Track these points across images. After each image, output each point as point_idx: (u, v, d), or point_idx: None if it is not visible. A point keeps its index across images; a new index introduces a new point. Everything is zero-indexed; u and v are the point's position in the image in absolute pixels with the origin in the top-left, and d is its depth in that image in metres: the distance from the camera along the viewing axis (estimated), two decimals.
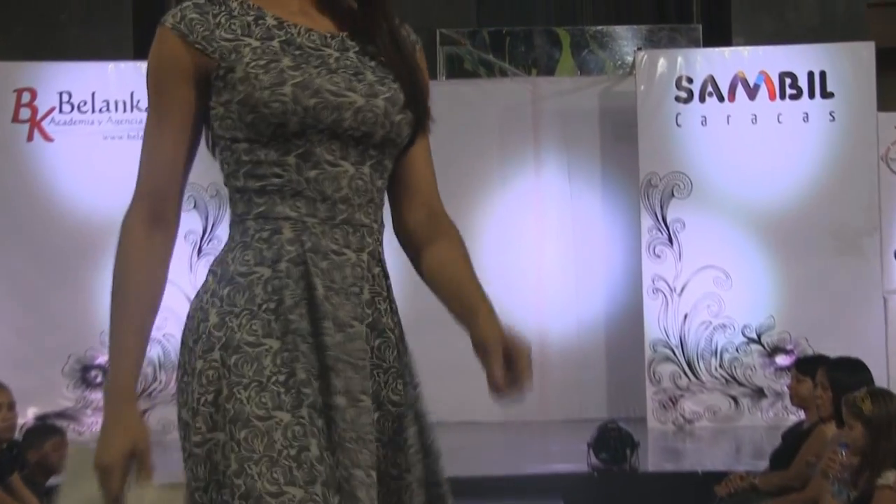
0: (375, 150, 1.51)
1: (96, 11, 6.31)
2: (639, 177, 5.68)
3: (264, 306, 1.46)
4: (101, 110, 5.65)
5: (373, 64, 1.52)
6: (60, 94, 5.60)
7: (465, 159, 5.82)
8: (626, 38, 6.97)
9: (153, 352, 5.27)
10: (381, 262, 1.53)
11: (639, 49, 6.26)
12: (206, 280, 1.50)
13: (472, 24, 6.96)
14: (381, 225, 1.54)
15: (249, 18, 1.52)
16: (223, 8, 1.53)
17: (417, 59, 1.58)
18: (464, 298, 1.51)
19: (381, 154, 1.52)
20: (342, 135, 1.48)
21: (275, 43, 1.50)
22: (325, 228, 1.49)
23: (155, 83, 1.52)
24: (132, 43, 6.18)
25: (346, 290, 1.48)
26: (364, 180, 1.50)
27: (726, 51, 5.84)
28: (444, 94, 5.74)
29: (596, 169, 6.03)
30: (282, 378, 1.42)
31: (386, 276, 1.53)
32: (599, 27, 6.99)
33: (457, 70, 6.86)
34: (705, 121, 5.68)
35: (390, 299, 1.53)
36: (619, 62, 6.93)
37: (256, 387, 1.41)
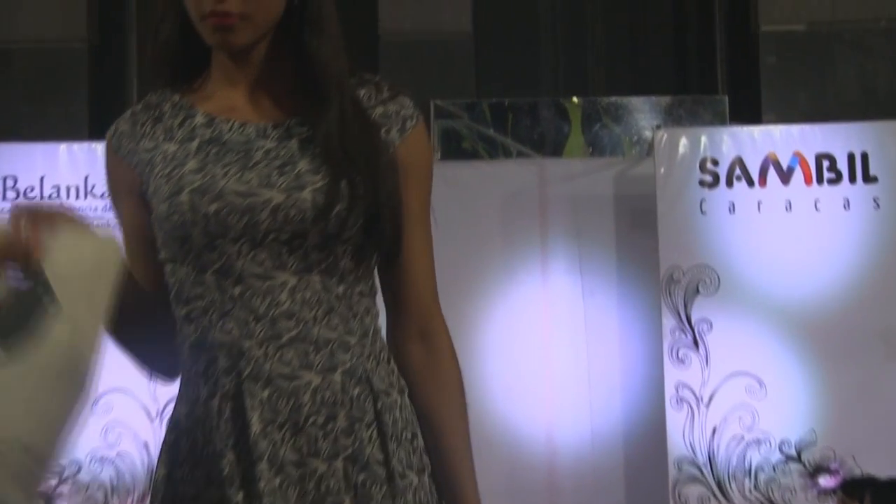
0: (320, 253, 1.50)
1: (48, 86, 6.39)
2: (659, 271, 5.70)
3: (204, 451, 1.46)
4: (50, 197, 5.68)
5: (317, 150, 1.53)
6: (4, 178, 5.63)
7: (462, 250, 5.84)
8: (643, 111, 7.04)
9: (105, 473, 5.24)
10: (366, 381, 1.50)
11: (658, 127, 6.32)
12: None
13: (470, 95, 7.03)
14: (367, 335, 1.53)
15: (178, 119, 1.58)
16: (155, 112, 1.59)
17: (399, 138, 1.58)
18: (456, 490, 1.52)
19: (330, 256, 1.50)
20: (265, 241, 1.48)
21: (194, 144, 1.54)
22: (268, 350, 1.47)
23: (110, 200, 1.61)
24: (87, 121, 6.25)
25: (301, 420, 1.45)
26: (314, 290, 1.49)
27: (756, 129, 5.90)
28: (439, 177, 5.74)
29: (611, 262, 6.04)
30: None
31: (375, 397, 1.50)
32: (613, 98, 7.06)
33: (454, 148, 6.91)
34: (733, 208, 5.72)
35: (382, 424, 1.49)
36: (636, 138, 6.99)
37: None
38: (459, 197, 5.85)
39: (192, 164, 1.52)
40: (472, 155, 6.82)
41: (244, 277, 1.48)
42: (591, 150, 6.94)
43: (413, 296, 1.60)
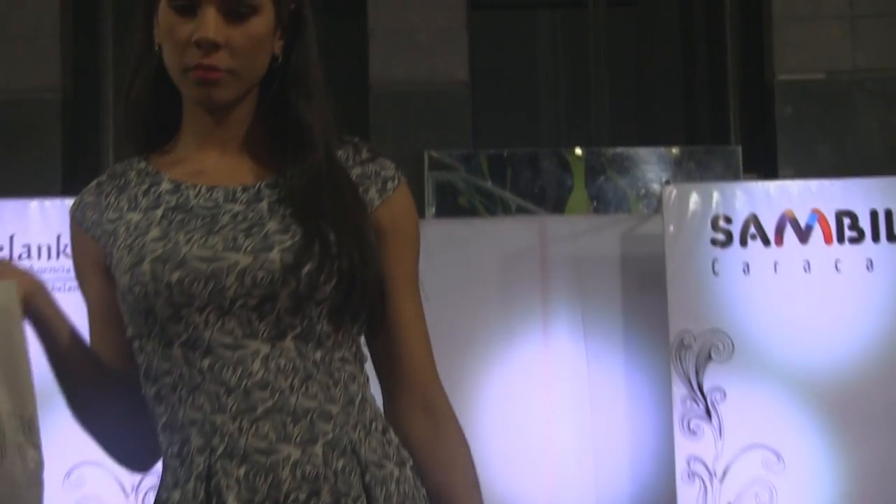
0: (293, 317, 1.51)
1: (18, 139, 6.40)
2: (669, 336, 5.68)
3: None
4: (21, 256, 5.66)
5: (288, 210, 1.56)
6: None
7: (458, 312, 5.83)
8: (650, 163, 7.06)
9: None
10: (352, 452, 1.49)
11: (666, 182, 6.34)
12: None
13: (466, 147, 7.05)
14: (353, 403, 1.52)
15: (143, 188, 1.61)
16: (120, 181, 1.62)
17: (378, 198, 1.61)
18: None
19: (304, 320, 1.51)
20: (233, 308, 1.49)
21: (158, 212, 1.57)
22: (243, 424, 1.46)
23: (74, 272, 1.63)
24: (60, 176, 6.25)
25: (282, 497, 1.45)
26: (288, 357, 1.50)
27: (772, 185, 5.90)
28: (433, 234, 5.76)
29: (617, 326, 6.03)
30: None
31: (363, 470, 1.49)
32: (619, 149, 7.08)
33: (449, 202, 6.92)
34: (748, 268, 5.71)
35: (371, 499, 1.49)
36: (643, 191, 7.00)
37: None
38: (455, 256, 5.84)
39: (154, 233, 1.54)
40: (468, 211, 6.83)
41: (213, 348, 1.49)
42: (595, 204, 6.95)
43: (410, 368, 1.61)
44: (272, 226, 1.54)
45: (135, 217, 1.58)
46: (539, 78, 7.76)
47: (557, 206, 6.96)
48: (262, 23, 1.59)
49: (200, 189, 1.60)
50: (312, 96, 1.63)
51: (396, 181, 1.68)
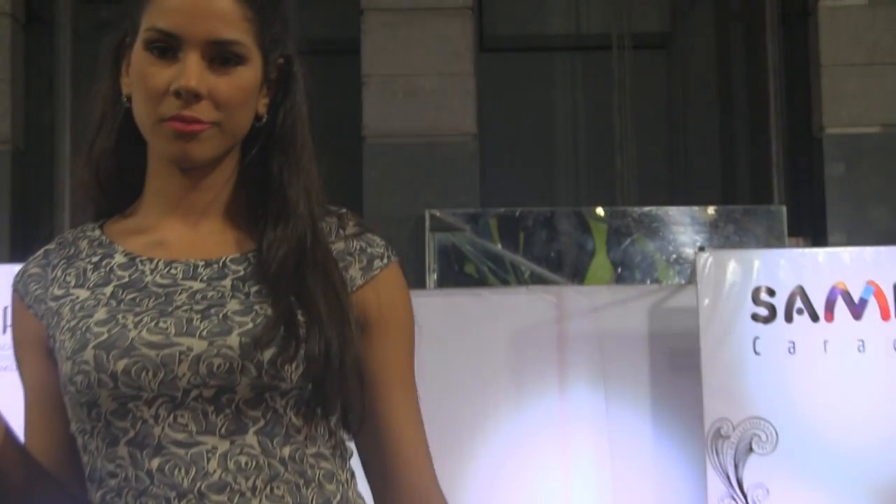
0: (255, 409, 1.50)
1: None
2: (703, 424, 5.67)
3: None
4: None
5: (255, 289, 1.55)
6: None
7: (463, 400, 5.81)
8: (682, 224, 7.06)
9: None
10: None
11: (701, 248, 6.35)
12: None
13: (473, 205, 7.06)
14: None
15: (94, 260, 1.61)
16: (70, 250, 1.62)
17: (361, 278, 1.61)
18: None
19: (267, 412, 1.50)
20: (187, 400, 1.48)
21: (108, 289, 1.56)
22: None
23: (13, 351, 1.63)
24: (8, 239, 6.27)
25: None
26: (250, 454, 1.49)
27: (821, 252, 5.90)
28: (435, 307, 5.77)
29: (644, 413, 6.02)
30: None
31: None
32: (647, 209, 7.07)
33: (453, 269, 6.91)
34: (793, 348, 5.70)
35: None
36: (674, 257, 7.01)
37: None
38: (460, 332, 5.82)
39: (100, 315, 1.54)
40: (475, 279, 6.83)
41: (163, 446, 1.48)
42: (619, 271, 6.95)
43: (406, 477, 1.60)
44: (233, 306, 1.54)
45: (82, 295, 1.58)
46: (556, 128, 7.80)
47: (577, 274, 6.96)
48: (249, 74, 1.61)
49: (157, 264, 1.60)
50: (299, 165, 1.64)
51: (386, 260, 1.67)
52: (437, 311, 5.79)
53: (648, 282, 6.83)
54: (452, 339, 5.74)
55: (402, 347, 1.67)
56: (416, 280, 6.52)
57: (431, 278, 6.76)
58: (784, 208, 6.91)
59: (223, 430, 1.50)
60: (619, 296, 6.22)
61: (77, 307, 1.56)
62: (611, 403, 5.99)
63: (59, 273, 1.61)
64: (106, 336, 1.51)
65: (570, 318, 6.08)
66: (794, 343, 5.63)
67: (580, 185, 7.69)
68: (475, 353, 5.88)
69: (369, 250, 1.66)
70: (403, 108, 6.84)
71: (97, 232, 1.66)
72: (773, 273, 5.70)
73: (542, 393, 6.00)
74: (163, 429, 1.49)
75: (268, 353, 1.50)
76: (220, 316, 1.53)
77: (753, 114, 7.56)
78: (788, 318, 5.65)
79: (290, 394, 1.52)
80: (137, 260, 1.60)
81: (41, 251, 1.66)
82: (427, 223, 6.84)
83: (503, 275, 6.98)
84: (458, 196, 6.99)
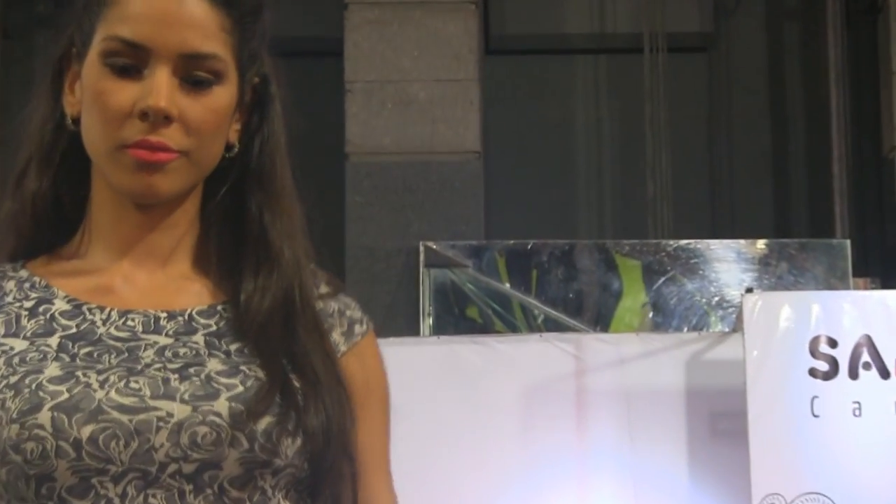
0: (241, 489, 1.51)
1: None
2: (751, 501, 5.68)
3: None
4: None
5: (235, 346, 1.57)
6: None
7: (462, 471, 5.81)
8: (727, 260, 7.06)
9: None
10: None
11: (749, 289, 6.36)
12: None
13: (476, 236, 7.06)
14: None
15: (27, 305, 1.60)
16: None
17: (345, 344, 1.65)
18: None
19: (255, 494, 1.52)
20: (162, 476, 1.48)
21: (52, 340, 1.55)
22: None
23: None
24: None
25: None
26: None
27: (891, 295, 5.92)
28: (430, 358, 5.76)
29: (679, 485, 6.03)
30: None
31: None
32: (684, 242, 7.07)
33: (452, 313, 6.91)
34: (859, 410, 5.70)
35: None
36: (717, 300, 7.02)
37: None
38: (461, 387, 5.81)
39: (53, 370, 1.52)
40: (479, 326, 6.83)
41: None
42: (651, 317, 6.96)
43: None
44: (214, 366, 1.54)
45: (18, 345, 1.56)
46: (576, 145, 7.82)
47: (600, 319, 6.96)
48: (225, 95, 1.61)
49: (110, 313, 1.60)
50: (281, 204, 1.65)
51: (365, 326, 1.71)
52: (434, 363, 5.77)
53: (686, 329, 6.82)
54: (451, 396, 5.73)
55: (384, 426, 1.71)
56: (408, 326, 6.51)
57: (426, 324, 6.76)
58: (848, 243, 6.91)
59: None
60: (650, 346, 6.22)
61: (16, 360, 1.54)
62: (639, 475, 5.98)
63: None
64: (66, 396, 1.49)
65: (592, 371, 6.07)
66: (859, 404, 5.62)
67: (604, 214, 7.70)
68: (479, 414, 5.88)
69: (348, 313, 1.69)
70: (394, 121, 6.86)
71: (24, 272, 1.65)
72: (836, 319, 5.70)
73: (558, 461, 5.99)
74: None
75: (262, 424, 1.51)
76: (203, 377, 1.53)
77: (811, 129, 7.58)
78: (853, 374, 5.64)
79: (283, 472, 1.53)
80: (84, 308, 1.60)
81: None
82: (421, 258, 6.84)
83: (512, 320, 6.98)
84: (458, 226, 6.99)
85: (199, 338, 1.58)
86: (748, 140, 7.74)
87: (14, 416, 1.49)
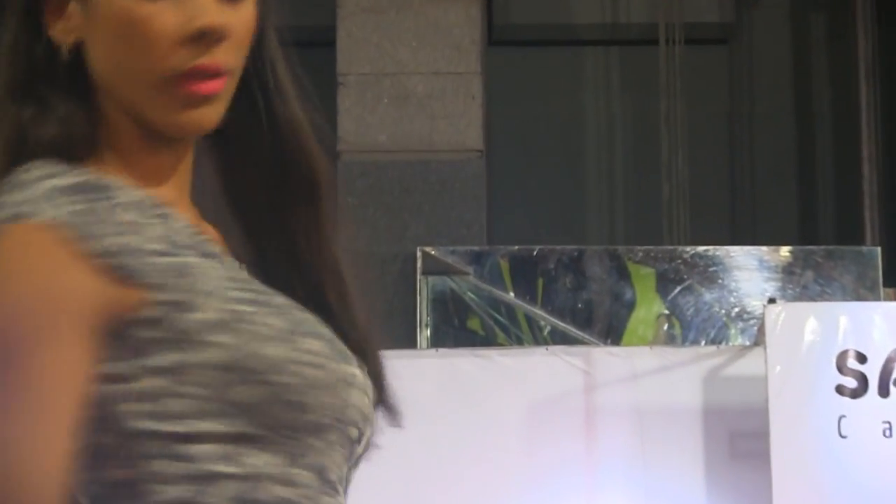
0: (351, 472, 1.56)
1: None
2: None
3: None
4: None
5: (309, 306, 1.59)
6: None
7: (462, 492, 5.81)
8: (748, 268, 7.06)
9: None
10: None
11: (772, 300, 6.36)
12: None
13: (478, 241, 7.06)
14: None
15: (156, 213, 1.50)
16: (102, 194, 1.47)
17: None
18: None
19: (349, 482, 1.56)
20: (343, 439, 1.53)
21: (216, 263, 1.51)
22: None
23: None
24: None
25: None
26: None
27: None
28: (428, 373, 5.76)
29: None
30: None
31: None
32: (702, 249, 7.07)
33: (452, 323, 6.91)
34: (889, 430, 5.70)
35: None
36: (737, 311, 7.01)
37: None
38: (461, 405, 5.81)
39: (253, 307, 1.49)
40: (481, 338, 6.82)
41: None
42: (666, 329, 6.95)
43: None
44: (315, 324, 1.54)
45: (195, 262, 1.48)
46: (586, 144, 7.82)
47: (611, 331, 6.96)
48: (252, 7, 1.57)
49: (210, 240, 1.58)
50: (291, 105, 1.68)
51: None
52: (432, 378, 5.77)
53: (703, 343, 6.81)
54: (452, 413, 5.73)
55: None
56: (404, 337, 6.51)
57: (424, 335, 6.76)
58: (878, 250, 6.91)
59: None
60: (665, 360, 6.21)
61: (227, 284, 1.49)
62: (653, 501, 5.98)
63: (123, 214, 1.47)
64: (274, 336, 1.49)
65: (603, 387, 6.07)
66: (890, 424, 5.62)
67: (616, 218, 7.70)
68: (480, 434, 5.87)
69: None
70: (390, 117, 6.87)
71: (130, 188, 1.52)
72: (865, 333, 5.69)
73: (567, 482, 5.99)
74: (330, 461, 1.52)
75: (382, 393, 1.58)
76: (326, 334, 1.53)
77: (839, 128, 7.58)
78: (883, 392, 5.64)
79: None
80: (192, 230, 1.54)
81: (46, 186, 1.45)
82: (419, 264, 6.85)
83: (516, 332, 6.98)
84: (458, 230, 7.00)
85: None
86: (771, 139, 7.74)
87: (274, 333, 1.49)
